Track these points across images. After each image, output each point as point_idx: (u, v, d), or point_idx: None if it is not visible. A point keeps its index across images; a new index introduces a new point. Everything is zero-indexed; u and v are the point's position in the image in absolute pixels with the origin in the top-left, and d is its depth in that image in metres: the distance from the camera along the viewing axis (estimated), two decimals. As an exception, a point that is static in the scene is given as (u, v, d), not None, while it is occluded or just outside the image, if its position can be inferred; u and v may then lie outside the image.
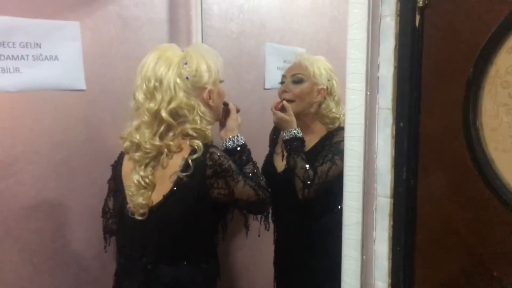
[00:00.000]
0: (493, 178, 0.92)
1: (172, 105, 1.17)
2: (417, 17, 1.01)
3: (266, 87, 2.04)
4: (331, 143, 1.58)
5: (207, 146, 1.23)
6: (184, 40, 1.60)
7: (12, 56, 1.16)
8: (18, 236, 1.25)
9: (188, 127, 1.19)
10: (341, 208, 1.61)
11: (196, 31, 1.60)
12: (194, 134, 1.20)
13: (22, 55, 1.17)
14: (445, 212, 1.00)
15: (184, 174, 1.16)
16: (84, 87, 1.31)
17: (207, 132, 1.23)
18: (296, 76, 1.61)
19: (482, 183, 0.93)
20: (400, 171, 1.06)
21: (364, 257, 1.11)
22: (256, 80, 2.00)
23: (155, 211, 1.19)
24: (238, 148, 1.35)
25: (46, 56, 1.22)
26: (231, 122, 1.40)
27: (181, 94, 1.18)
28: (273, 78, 2.04)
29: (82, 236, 1.40)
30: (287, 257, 1.75)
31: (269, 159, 1.75)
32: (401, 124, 1.05)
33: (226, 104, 1.41)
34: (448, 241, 1.00)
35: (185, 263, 1.22)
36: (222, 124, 1.42)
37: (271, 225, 1.68)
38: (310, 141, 1.64)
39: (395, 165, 1.06)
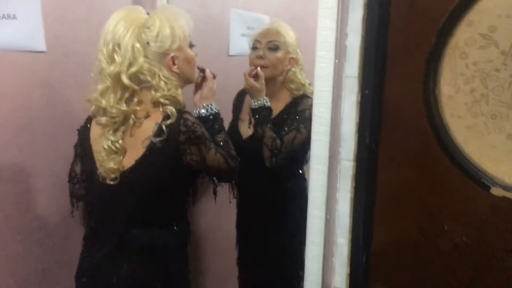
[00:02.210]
0: (448, 142, 1.00)
1: (132, 70, 1.15)
2: (385, -12, 1.05)
3: (230, 53, 2.03)
4: (297, 111, 1.63)
5: (181, 111, 1.23)
6: (148, 2, 1.55)
7: (-32, 13, 1.09)
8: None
9: (158, 96, 1.18)
10: (302, 172, 1.70)
11: (160, -5, 1.56)
12: (166, 102, 1.19)
13: (-22, 13, 1.10)
14: (404, 174, 1.08)
15: (157, 139, 1.16)
16: (44, 49, 1.25)
17: (178, 98, 1.23)
18: (272, 43, 1.64)
19: (438, 147, 1.01)
20: (363, 136, 1.12)
21: (328, 216, 1.18)
22: (220, 46, 1.98)
23: (127, 175, 1.19)
24: (211, 117, 1.35)
25: (3, 15, 1.15)
26: (206, 90, 1.38)
27: (141, 59, 1.15)
28: (237, 44, 2.04)
29: (46, 201, 1.38)
30: (251, 220, 1.81)
31: (234, 126, 1.77)
32: (366, 92, 1.10)
33: (202, 70, 1.40)
34: (406, 200, 1.09)
35: (157, 227, 1.24)
36: (198, 88, 1.41)
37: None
38: (276, 108, 1.67)
39: (359, 131, 1.13)
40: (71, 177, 1.30)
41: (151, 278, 1.22)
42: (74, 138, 1.24)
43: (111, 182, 1.19)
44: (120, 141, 1.19)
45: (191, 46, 1.30)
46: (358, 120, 1.12)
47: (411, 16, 1.02)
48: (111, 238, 1.24)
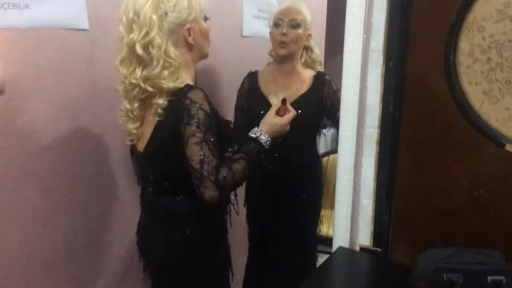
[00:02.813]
0: (466, 106, 1.12)
1: (146, 40, 1.16)
2: (408, -31, 1.15)
3: (244, 34, 2.11)
4: (332, 90, 1.81)
5: (189, 87, 1.19)
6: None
7: (22, -8, 1.15)
8: (33, 174, 1.28)
9: (143, 74, 1.18)
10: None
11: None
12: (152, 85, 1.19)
13: (30, -9, 1.16)
14: (425, 137, 1.20)
15: (161, 117, 1.19)
16: (87, 27, 1.32)
17: (162, 86, 1.18)
18: (294, 21, 1.74)
19: (458, 111, 1.13)
20: (387, 105, 1.24)
21: (355, 179, 1.29)
22: (234, 27, 2.06)
23: (146, 146, 1.25)
24: (252, 143, 1.27)
25: (51, -7, 1.22)
26: (275, 121, 1.33)
27: (154, 31, 1.16)
28: (250, 26, 2.12)
29: (95, 170, 1.46)
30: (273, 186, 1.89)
31: (265, 101, 1.78)
32: (390, 64, 1.22)
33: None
34: (427, 162, 1.21)
35: (181, 196, 1.31)
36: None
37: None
38: (302, 86, 1.82)
39: (383, 100, 1.24)
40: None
41: (179, 239, 1.29)
42: (115, 112, 1.31)
43: (140, 151, 1.27)
44: (136, 111, 1.23)
45: (205, 19, 1.29)
46: (383, 90, 1.23)
47: (433, -6, 1.13)
48: (147, 204, 1.35)
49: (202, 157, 1.16)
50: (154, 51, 1.17)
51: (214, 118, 1.21)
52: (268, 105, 1.57)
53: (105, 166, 1.53)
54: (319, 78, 1.83)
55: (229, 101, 2.05)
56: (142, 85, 1.18)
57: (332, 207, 2.56)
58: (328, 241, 2.17)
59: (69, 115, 1.34)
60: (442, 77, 1.15)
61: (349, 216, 1.31)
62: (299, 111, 1.65)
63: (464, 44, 1.11)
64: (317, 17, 2.68)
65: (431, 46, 1.15)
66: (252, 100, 1.85)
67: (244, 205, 1.98)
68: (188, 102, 1.17)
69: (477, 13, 1.08)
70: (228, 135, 1.32)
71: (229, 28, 2.03)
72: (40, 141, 1.29)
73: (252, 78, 1.91)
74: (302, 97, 1.79)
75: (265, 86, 1.84)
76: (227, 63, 2.07)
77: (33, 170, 1.29)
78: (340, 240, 1.33)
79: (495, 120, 1.09)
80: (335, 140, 2.60)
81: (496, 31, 1.07)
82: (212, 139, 1.17)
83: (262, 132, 1.30)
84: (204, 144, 1.16)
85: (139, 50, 1.17)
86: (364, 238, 1.34)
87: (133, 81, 1.19)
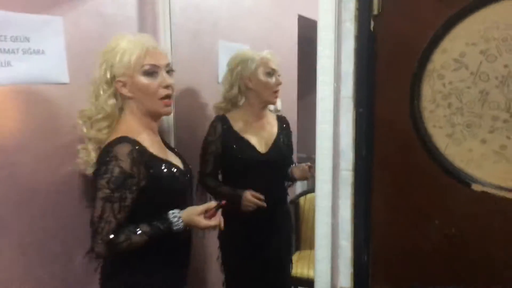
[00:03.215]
0: (432, 149, 1.19)
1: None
2: (372, 23, 1.25)
3: (219, 81, 2.18)
4: (290, 131, 2.02)
5: (119, 140, 1.20)
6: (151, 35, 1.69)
7: (4, 49, 1.17)
8: (12, 228, 1.27)
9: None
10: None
11: (164, 28, 1.70)
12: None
13: (12, 49, 1.19)
14: (396, 179, 1.26)
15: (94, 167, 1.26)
16: (67, 81, 1.35)
17: (99, 136, 1.27)
18: (278, 71, 1.89)
19: (425, 154, 1.20)
20: (359, 148, 1.30)
21: (333, 221, 1.33)
22: (210, 74, 2.14)
23: None
24: (164, 225, 1.24)
25: (34, 50, 1.24)
26: (196, 220, 1.28)
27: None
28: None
29: (73, 224, 1.44)
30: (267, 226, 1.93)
31: (245, 143, 1.86)
32: (360, 110, 1.29)
33: (219, 207, 1.33)
34: (400, 202, 1.26)
35: None
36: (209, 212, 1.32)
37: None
38: (273, 125, 1.97)
39: (355, 144, 1.30)
40: None
41: None
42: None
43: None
44: None
45: (147, 74, 1.25)
46: (354, 134, 1.29)
47: (396, 45, 1.22)
48: None
49: (101, 214, 1.16)
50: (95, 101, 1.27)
51: (136, 176, 1.19)
52: (251, 148, 1.76)
53: (84, 218, 1.51)
54: (281, 120, 2.02)
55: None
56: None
57: (311, 247, 2.59)
58: (309, 282, 2.19)
59: (48, 167, 1.35)
60: (408, 121, 1.22)
61: (329, 259, 1.33)
62: (282, 150, 1.92)
63: (426, 91, 1.20)
64: (289, 61, 2.81)
65: (396, 92, 1.23)
66: (231, 144, 1.86)
67: (219, 248, 1.98)
68: (107, 154, 1.19)
69: (436, 62, 1.17)
70: (173, 188, 1.31)
71: (206, 75, 2.11)
72: (19, 196, 1.28)
73: (223, 122, 1.90)
74: (277, 138, 1.92)
75: (241, 129, 1.88)
76: (202, 107, 2.13)
77: (11, 223, 1.27)
78: (321, 283, 1.34)
79: (460, 161, 1.16)
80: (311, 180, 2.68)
81: (455, 79, 1.15)
82: (120, 199, 1.16)
83: (180, 220, 1.26)
84: (108, 202, 1.16)
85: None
86: (345, 280, 1.36)
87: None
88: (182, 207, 1.31)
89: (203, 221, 1.28)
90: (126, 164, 1.17)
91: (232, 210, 1.55)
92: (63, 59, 1.34)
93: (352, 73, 1.27)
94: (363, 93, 1.27)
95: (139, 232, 1.20)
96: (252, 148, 1.85)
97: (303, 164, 1.94)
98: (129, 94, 1.26)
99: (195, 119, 2.10)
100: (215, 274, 2.12)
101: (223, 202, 1.32)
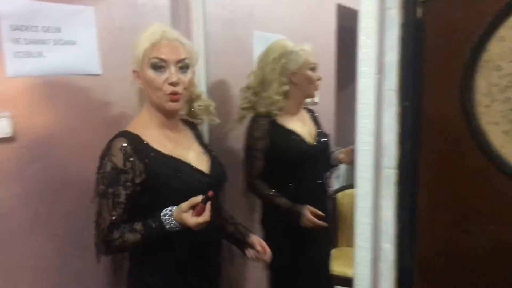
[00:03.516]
0: (487, 147, 1.08)
1: None
2: (419, 10, 1.15)
3: (254, 73, 2.13)
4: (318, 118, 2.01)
5: (119, 134, 1.20)
6: (184, 26, 1.65)
7: (36, 40, 1.16)
8: (45, 220, 1.27)
9: None
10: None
11: (197, 18, 1.65)
12: None
13: (44, 39, 1.18)
14: (445, 178, 1.16)
15: None
16: (99, 72, 1.34)
17: None
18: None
19: (478, 152, 1.09)
20: (405, 144, 1.21)
21: (375, 222, 1.25)
22: (245, 66, 2.08)
23: None
24: (156, 223, 1.15)
25: (65, 41, 1.23)
26: (182, 217, 1.14)
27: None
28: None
29: None
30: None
31: (297, 138, 1.80)
32: (406, 103, 1.19)
33: (206, 200, 1.15)
34: (449, 204, 1.16)
35: None
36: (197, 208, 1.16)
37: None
38: (309, 119, 1.94)
39: (400, 140, 1.21)
40: None
41: None
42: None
43: None
44: None
45: (153, 67, 1.19)
46: (399, 130, 1.20)
47: (446, 33, 1.11)
48: None
49: (99, 210, 1.16)
50: None
51: (130, 172, 1.15)
52: (301, 140, 1.78)
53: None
54: (309, 111, 2.01)
55: (240, 134, 2.05)
56: None
57: (349, 244, 2.50)
58: (346, 281, 2.11)
59: (80, 160, 1.33)
60: (459, 116, 1.11)
61: (369, 262, 1.25)
62: (325, 140, 1.90)
63: (480, 84, 1.09)
64: (327, 52, 2.72)
65: (446, 85, 1.13)
66: (281, 138, 1.79)
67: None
68: (105, 149, 1.17)
69: (492, 52, 1.06)
70: (173, 186, 1.22)
71: (240, 66, 2.05)
72: (52, 187, 1.28)
73: (269, 119, 1.82)
74: (317, 129, 1.93)
75: (286, 122, 1.81)
76: (237, 101, 2.07)
77: (46, 215, 1.27)
78: (362, 287, 1.26)
79: (519, 161, 1.05)
80: (349, 174, 2.59)
81: (514, 70, 1.04)
82: (114, 195, 1.13)
83: (171, 219, 1.16)
84: (104, 199, 1.15)
85: None
86: (387, 285, 1.28)
87: None
88: None
89: (190, 219, 1.14)
90: (118, 159, 1.14)
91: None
92: (95, 50, 1.32)
93: (396, 64, 1.18)
94: (408, 86, 1.18)
95: (132, 229, 1.15)
96: (302, 140, 1.80)
97: (347, 148, 1.89)
98: (142, 86, 1.24)
99: (229, 114, 2.05)
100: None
101: (210, 193, 1.16)
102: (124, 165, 1.14)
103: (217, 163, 1.36)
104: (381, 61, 1.19)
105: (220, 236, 1.40)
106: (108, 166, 1.14)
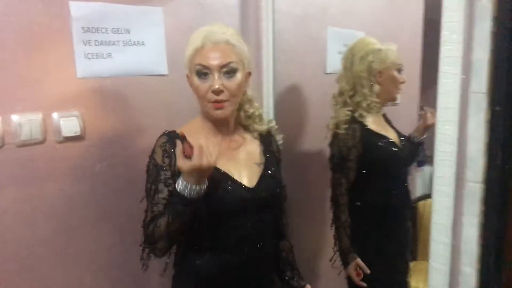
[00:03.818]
0: None
1: None
2: (518, -1, 0.98)
3: (327, 71, 2.02)
4: None
5: (165, 132, 1.18)
6: (253, 24, 1.60)
7: (105, 41, 1.20)
8: (112, 218, 1.32)
9: None
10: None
11: (266, 16, 1.60)
12: None
13: (113, 41, 1.21)
14: (545, 197, 0.99)
15: None
16: (166, 72, 1.35)
17: None
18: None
19: None
20: (494, 156, 1.04)
21: (453, 242, 1.10)
22: (317, 64, 1.99)
23: None
24: (175, 195, 1.06)
25: (134, 42, 1.26)
26: (180, 164, 1.04)
27: None
28: (334, 62, 2.03)
29: None
30: None
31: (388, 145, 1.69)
32: (497, 108, 1.03)
33: (183, 138, 1.04)
34: (547, 227, 0.99)
35: None
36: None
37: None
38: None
39: (488, 150, 1.05)
40: None
41: None
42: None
43: None
44: None
45: (198, 74, 1.13)
46: (487, 138, 1.05)
47: (552, 26, 0.94)
48: None
49: (146, 205, 1.14)
50: None
51: (168, 169, 1.11)
52: (393, 144, 1.66)
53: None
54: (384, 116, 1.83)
55: (311, 139, 1.96)
56: None
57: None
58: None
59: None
60: None
61: (446, 287, 1.11)
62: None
63: None
64: (412, 50, 2.51)
65: (551, 87, 0.95)
66: (374, 144, 1.65)
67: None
68: (152, 148, 1.16)
69: None
70: (222, 192, 1.13)
71: (311, 65, 1.96)
72: (117, 185, 1.31)
73: (360, 124, 1.68)
74: (400, 133, 1.78)
75: (372, 125, 1.68)
76: (308, 100, 1.99)
77: (111, 213, 1.31)
78: (436, 313, 1.13)
79: None
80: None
81: None
82: (156, 191, 1.10)
83: (184, 183, 1.05)
84: (148, 195, 1.13)
85: None
86: (467, 314, 1.13)
87: None
88: (239, 218, 1.16)
89: (185, 165, 1.02)
90: (158, 156, 1.13)
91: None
92: (163, 50, 1.33)
93: (487, 63, 1.02)
94: (501, 88, 1.02)
95: (161, 213, 1.10)
96: (393, 143, 1.68)
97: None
98: (192, 91, 1.18)
99: (299, 116, 1.98)
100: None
101: (180, 132, 1.05)
102: (163, 161, 1.12)
103: (269, 176, 1.23)
104: (468, 59, 1.04)
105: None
106: (152, 163, 1.13)
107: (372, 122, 1.67)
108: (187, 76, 1.18)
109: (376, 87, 1.65)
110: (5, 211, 1.14)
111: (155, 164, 1.13)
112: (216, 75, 1.11)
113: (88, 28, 1.17)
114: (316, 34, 1.96)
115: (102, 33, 1.19)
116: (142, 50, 1.28)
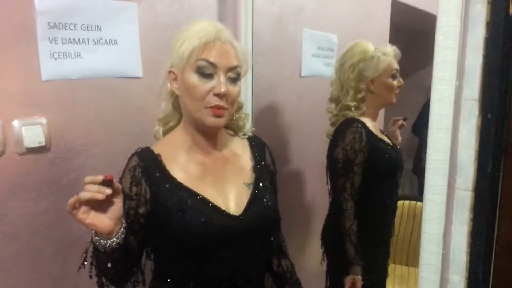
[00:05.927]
0: None
1: None
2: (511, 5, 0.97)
3: (302, 74, 1.98)
4: None
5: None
6: (231, 22, 1.53)
7: (74, 39, 1.08)
8: (78, 238, 1.20)
9: None
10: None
11: (245, 14, 1.53)
12: None
13: (83, 39, 1.09)
14: (536, 206, 0.98)
15: None
16: (141, 74, 1.24)
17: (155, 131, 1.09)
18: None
19: None
20: (484, 163, 1.03)
21: (444, 251, 1.08)
22: (293, 67, 1.94)
23: None
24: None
25: (106, 40, 1.14)
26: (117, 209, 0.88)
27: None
28: (309, 65, 1.99)
29: None
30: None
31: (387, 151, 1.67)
32: (489, 116, 1.02)
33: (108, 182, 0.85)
34: (538, 235, 0.99)
35: None
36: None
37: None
38: None
39: (478, 158, 1.04)
40: None
41: None
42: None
43: None
44: None
45: (199, 72, 0.98)
46: (478, 146, 1.03)
47: (545, 33, 0.93)
48: None
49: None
50: None
51: (135, 199, 0.98)
52: (393, 148, 1.67)
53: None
54: None
55: (287, 144, 1.91)
56: None
57: (407, 263, 2.28)
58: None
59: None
60: (559, 133, 0.93)
61: (435, 296, 1.09)
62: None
63: None
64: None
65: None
66: (378, 148, 1.62)
67: None
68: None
69: None
70: (174, 229, 0.99)
71: (288, 67, 1.91)
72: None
73: (362, 125, 1.63)
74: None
75: (375, 132, 1.65)
76: (284, 105, 1.94)
77: (79, 233, 1.19)
78: (425, 324, 1.10)
79: None
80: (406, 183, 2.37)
81: None
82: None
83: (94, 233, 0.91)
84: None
85: None
86: (455, 324, 1.11)
87: None
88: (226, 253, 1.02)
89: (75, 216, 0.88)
90: (126, 182, 0.99)
91: None
92: (137, 50, 1.23)
93: (480, 69, 1.01)
94: (493, 95, 1.00)
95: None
96: (393, 148, 1.68)
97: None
98: (178, 92, 1.02)
99: (276, 120, 1.92)
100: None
101: (108, 177, 0.86)
102: (130, 189, 0.98)
103: (259, 200, 1.08)
104: (461, 65, 1.02)
105: None
106: (124, 175, 1.00)
107: (372, 126, 1.65)
108: (171, 74, 1.02)
109: (361, 94, 1.62)
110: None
111: (122, 190, 0.91)
112: (221, 77, 0.98)
113: (54, 23, 1.05)
114: (292, 36, 1.91)
115: (71, 29, 1.08)
116: (114, 50, 1.18)
